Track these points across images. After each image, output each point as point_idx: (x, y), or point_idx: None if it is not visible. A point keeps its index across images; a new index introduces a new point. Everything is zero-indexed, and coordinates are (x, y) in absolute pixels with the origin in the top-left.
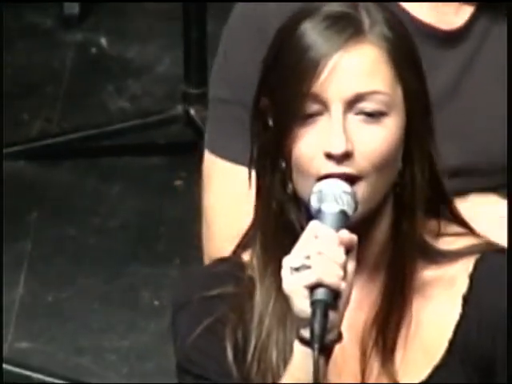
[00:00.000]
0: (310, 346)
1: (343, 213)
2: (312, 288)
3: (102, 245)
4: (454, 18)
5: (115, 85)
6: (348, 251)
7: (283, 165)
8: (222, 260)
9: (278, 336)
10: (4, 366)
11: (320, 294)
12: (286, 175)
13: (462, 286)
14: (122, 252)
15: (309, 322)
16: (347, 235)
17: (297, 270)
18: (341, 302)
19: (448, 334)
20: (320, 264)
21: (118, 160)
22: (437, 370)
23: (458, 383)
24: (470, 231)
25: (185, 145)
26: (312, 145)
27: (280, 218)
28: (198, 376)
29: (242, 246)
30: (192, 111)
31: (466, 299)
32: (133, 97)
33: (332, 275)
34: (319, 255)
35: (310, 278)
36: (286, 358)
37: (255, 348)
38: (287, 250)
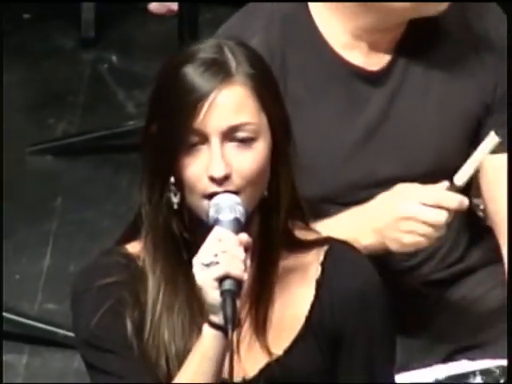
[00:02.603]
0: (223, 328)
1: (237, 220)
2: (221, 280)
3: (113, 226)
4: (379, 60)
5: (124, 94)
6: (246, 250)
7: (172, 183)
8: (108, 252)
9: (167, 318)
10: (34, 323)
11: (228, 284)
12: (174, 191)
13: (315, 272)
14: None
15: (221, 309)
16: (246, 237)
17: (207, 265)
18: (242, 291)
19: (304, 312)
20: (226, 260)
21: (126, 156)
22: (296, 341)
23: (312, 352)
24: (309, 226)
25: None
26: (197, 170)
27: (167, 226)
28: (104, 350)
29: (125, 239)
30: None
31: (318, 283)
32: (138, 104)
33: (237, 269)
34: (224, 253)
35: (219, 271)
36: (175, 335)
37: (150, 327)
38: (174, 251)
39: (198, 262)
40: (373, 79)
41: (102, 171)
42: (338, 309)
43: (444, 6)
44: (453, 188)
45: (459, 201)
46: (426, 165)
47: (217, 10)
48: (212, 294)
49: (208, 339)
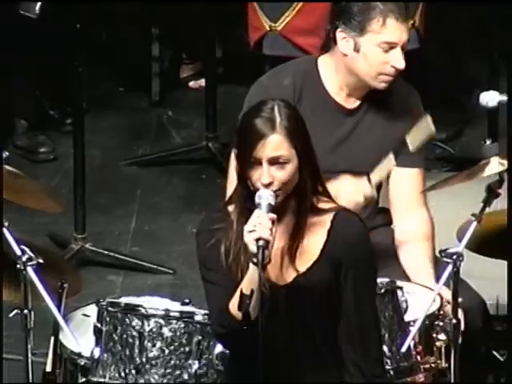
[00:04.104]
0: (256, 266)
1: (270, 204)
2: (257, 240)
3: (170, 206)
4: (353, 103)
5: (175, 132)
6: (273, 222)
7: (246, 179)
8: (218, 209)
9: (244, 250)
10: (126, 258)
11: (261, 243)
12: (246, 182)
13: (327, 226)
14: (181, 207)
15: (256, 256)
16: (273, 215)
17: (250, 232)
18: (270, 245)
19: (320, 247)
20: (260, 229)
21: (177, 167)
22: (314, 264)
23: (324, 272)
24: (332, 201)
25: (206, 159)
26: (256, 178)
27: (243, 199)
28: (209, 269)
29: (227, 203)
30: (210, 144)
31: (329, 232)
32: (183, 138)
33: (266, 234)
34: (260, 224)
35: (256, 235)
36: (248, 260)
37: (234, 254)
38: (246, 212)
39: (245, 229)
40: (347, 113)
41: (163, 175)
42: (339, 248)
43: (384, 85)
44: (369, 181)
45: (370, 191)
46: (364, 166)
47: (227, 85)
48: (252, 247)
49: (252, 270)
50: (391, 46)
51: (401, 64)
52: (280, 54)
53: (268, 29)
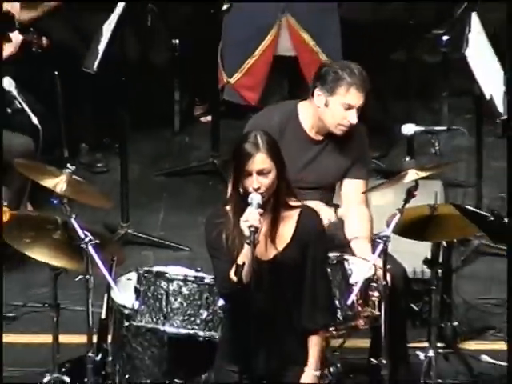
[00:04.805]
0: (249, 245)
1: (258, 203)
2: (250, 227)
3: (187, 203)
4: (319, 137)
5: (190, 152)
6: (261, 215)
7: (240, 184)
8: (219, 208)
9: (238, 236)
10: (156, 239)
11: (252, 228)
12: (241, 187)
13: (296, 218)
14: (194, 204)
15: (249, 238)
16: (261, 210)
17: (245, 221)
18: (258, 231)
19: (291, 233)
20: (251, 219)
21: (191, 177)
22: (288, 245)
23: (296, 251)
24: (298, 200)
25: (212, 171)
26: (248, 185)
27: (238, 200)
28: (214, 249)
29: (224, 203)
30: (215, 160)
31: (297, 223)
32: (196, 156)
33: (256, 222)
34: (252, 216)
35: (249, 223)
36: (242, 244)
37: (231, 239)
38: (240, 209)
39: (241, 220)
40: (315, 143)
41: (182, 182)
42: (304, 236)
43: (340, 132)
44: (335, 211)
45: (334, 218)
46: (327, 182)
47: (227, 120)
48: (246, 232)
49: (246, 249)
50: (350, 107)
51: (354, 121)
52: (233, 101)
53: (226, 82)
